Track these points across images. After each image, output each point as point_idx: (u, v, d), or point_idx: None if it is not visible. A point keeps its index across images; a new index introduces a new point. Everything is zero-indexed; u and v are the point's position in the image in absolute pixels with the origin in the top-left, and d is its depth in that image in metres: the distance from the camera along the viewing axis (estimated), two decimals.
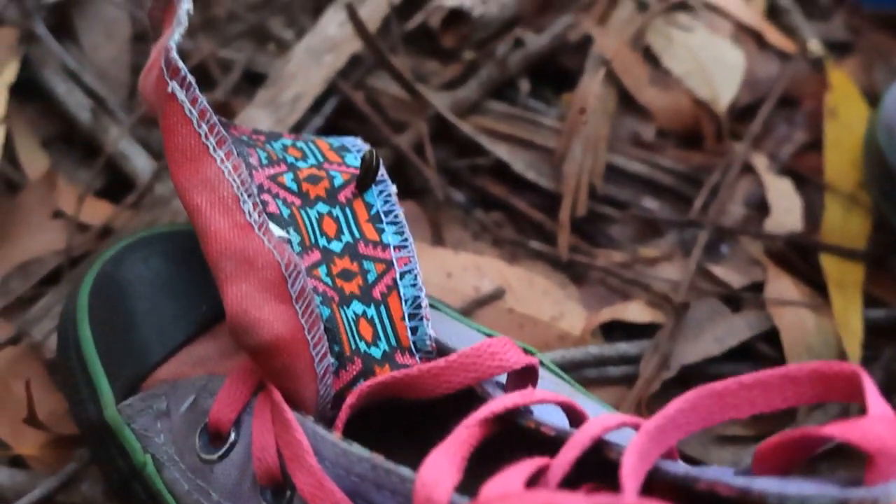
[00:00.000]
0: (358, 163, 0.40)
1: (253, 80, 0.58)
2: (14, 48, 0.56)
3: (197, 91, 0.34)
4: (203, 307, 0.39)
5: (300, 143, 0.40)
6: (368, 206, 0.38)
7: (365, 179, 0.38)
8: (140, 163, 0.53)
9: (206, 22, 0.60)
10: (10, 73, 0.55)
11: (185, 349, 0.38)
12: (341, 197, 0.38)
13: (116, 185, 0.54)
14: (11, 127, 0.54)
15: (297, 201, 0.37)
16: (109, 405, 0.38)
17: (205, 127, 0.34)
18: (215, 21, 0.60)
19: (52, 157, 0.55)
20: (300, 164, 0.39)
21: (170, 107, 0.34)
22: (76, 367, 0.40)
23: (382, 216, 0.38)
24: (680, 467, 0.30)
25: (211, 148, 0.34)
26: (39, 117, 0.56)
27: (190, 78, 0.34)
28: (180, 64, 0.34)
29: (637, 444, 0.29)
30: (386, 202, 0.39)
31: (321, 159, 0.39)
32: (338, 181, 0.38)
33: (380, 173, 0.39)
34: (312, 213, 0.37)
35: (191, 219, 0.34)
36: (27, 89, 0.56)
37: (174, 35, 0.35)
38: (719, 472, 0.30)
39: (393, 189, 0.39)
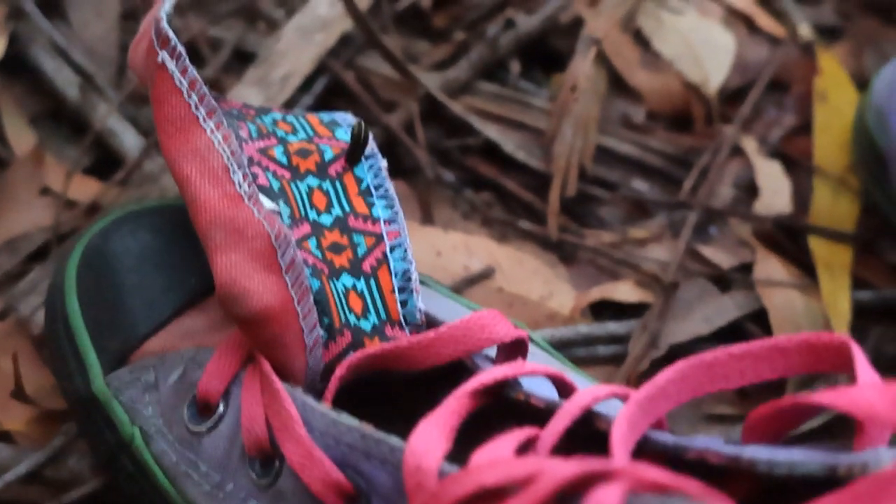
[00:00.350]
0: (348, 137, 0.39)
1: (242, 59, 0.57)
2: (2, 24, 0.56)
3: (187, 61, 0.34)
4: (192, 280, 0.39)
5: (290, 118, 0.40)
6: (359, 181, 0.38)
7: (354, 152, 0.38)
8: (128, 140, 0.53)
9: (195, 0, 0.59)
10: None
11: (174, 322, 0.38)
12: (331, 171, 0.38)
13: (104, 162, 0.53)
14: None
15: (287, 174, 0.37)
16: (97, 378, 0.38)
17: (195, 97, 0.34)
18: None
19: (39, 134, 0.55)
20: (290, 137, 0.39)
21: (159, 76, 0.34)
22: (63, 339, 0.39)
23: (373, 190, 0.38)
24: (669, 437, 0.30)
25: (201, 118, 0.34)
26: (27, 94, 0.56)
27: (180, 48, 0.34)
28: (170, 34, 0.34)
29: (626, 413, 0.29)
30: (376, 176, 0.39)
31: (311, 133, 0.39)
32: (328, 155, 0.38)
33: (370, 147, 0.39)
34: (302, 187, 0.37)
35: (180, 189, 0.34)
36: (15, 66, 0.55)
37: (165, 5, 0.34)
38: (708, 441, 0.30)
39: (383, 163, 0.39)
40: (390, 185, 0.38)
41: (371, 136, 0.39)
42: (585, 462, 0.25)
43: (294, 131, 0.39)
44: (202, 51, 0.57)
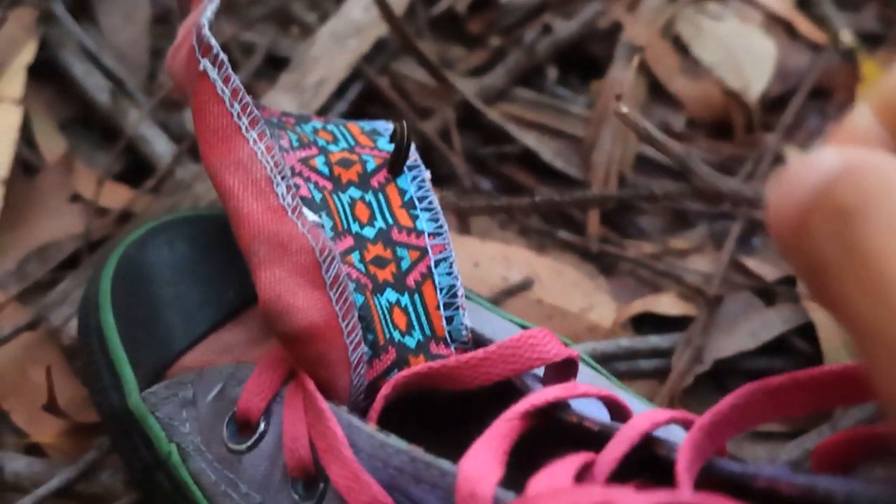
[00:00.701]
0: (390, 148, 0.38)
1: (275, 64, 0.57)
2: (32, 29, 0.55)
3: (230, 70, 0.33)
4: (230, 293, 0.38)
5: (331, 126, 0.39)
6: (402, 192, 0.37)
7: (397, 160, 0.37)
8: (160, 146, 0.52)
9: (228, 4, 0.59)
10: (28, 54, 0.54)
11: (212, 336, 0.37)
12: (374, 182, 0.37)
13: (136, 168, 0.53)
14: (29, 109, 0.53)
15: (329, 185, 0.36)
16: (133, 393, 0.37)
17: (237, 106, 0.33)
18: (237, 3, 0.59)
19: (70, 140, 0.54)
20: (331, 147, 0.37)
21: (201, 85, 0.33)
22: (98, 353, 0.38)
23: (416, 202, 0.37)
24: (735, 465, 0.29)
25: (243, 128, 0.33)
26: (57, 99, 0.55)
27: (222, 56, 0.33)
28: (213, 41, 0.33)
29: (691, 440, 0.28)
30: (420, 188, 0.37)
31: (353, 143, 0.38)
32: (370, 165, 0.37)
33: (413, 158, 0.38)
34: (345, 198, 0.36)
35: (222, 201, 0.33)
36: (45, 71, 0.55)
37: (206, 12, 0.33)
38: (777, 470, 0.28)
39: (427, 174, 0.38)
40: (434, 197, 0.37)
41: (413, 146, 0.38)
42: (655, 494, 0.24)
43: (335, 140, 0.38)
44: (235, 56, 0.56)
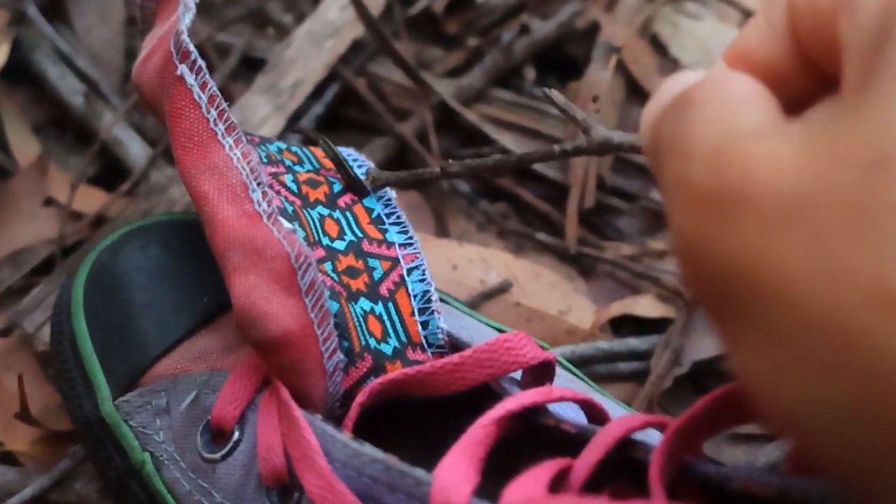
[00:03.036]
0: (356, 169, 0.38)
1: (252, 66, 0.56)
2: (4, 30, 0.54)
3: (207, 76, 0.33)
4: (204, 299, 0.37)
5: (294, 149, 0.39)
6: (369, 210, 0.37)
7: (351, 180, 0.37)
8: (134, 149, 0.52)
9: (203, 5, 0.58)
10: (1, 56, 0.53)
11: (186, 343, 0.37)
12: (340, 202, 0.37)
13: (110, 171, 0.52)
14: (1, 112, 0.53)
15: (298, 201, 0.36)
16: (106, 401, 0.37)
17: (213, 112, 0.32)
18: (213, 4, 0.59)
19: (43, 143, 0.53)
20: (297, 168, 0.38)
21: (177, 91, 0.32)
22: (71, 361, 0.38)
23: (384, 218, 0.37)
24: (710, 466, 0.28)
25: (219, 134, 0.32)
26: (31, 102, 0.54)
27: (200, 62, 0.33)
28: (191, 47, 0.33)
29: (665, 445, 0.28)
30: (387, 206, 0.38)
31: (318, 166, 0.38)
32: (336, 187, 0.38)
33: None
34: (314, 214, 0.36)
35: (197, 207, 0.33)
36: (18, 73, 0.54)
37: (184, 20, 0.33)
38: (752, 471, 0.28)
39: (392, 194, 0.38)
40: (402, 213, 0.37)
41: (372, 165, 0.39)
42: None
43: (300, 162, 0.38)
44: (210, 57, 0.56)
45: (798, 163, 0.18)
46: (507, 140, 0.54)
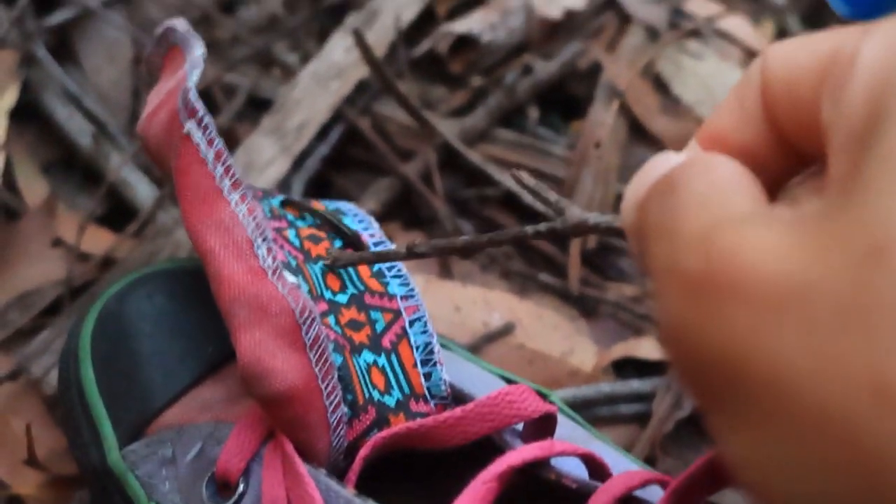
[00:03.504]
0: (356, 225, 0.39)
1: (258, 106, 0.57)
2: (14, 71, 0.55)
3: (214, 132, 0.33)
4: (209, 348, 0.38)
5: (297, 202, 0.40)
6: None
7: (360, 242, 0.38)
8: (142, 190, 0.52)
9: (209, 46, 0.59)
10: (11, 97, 0.54)
11: (192, 392, 0.37)
12: None
13: (118, 212, 0.53)
14: (11, 152, 0.53)
15: (301, 256, 0.37)
16: (113, 450, 0.37)
17: (220, 168, 0.33)
18: (219, 45, 0.59)
19: (51, 184, 0.54)
20: (299, 223, 0.38)
21: (184, 147, 0.33)
22: (78, 409, 0.38)
23: (385, 271, 0.38)
24: None
25: (225, 190, 0.33)
26: (39, 142, 0.55)
27: (207, 119, 0.33)
28: (199, 105, 0.33)
29: None
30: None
31: (318, 221, 0.39)
32: (338, 242, 0.38)
33: (378, 235, 0.39)
34: (316, 269, 0.37)
35: (203, 262, 0.33)
36: (27, 113, 0.55)
37: (192, 76, 0.34)
38: None
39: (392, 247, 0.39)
40: (402, 266, 0.38)
41: (376, 224, 0.39)
42: None
43: (302, 216, 0.39)
44: (217, 98, 0.57)
45: (790, 253, 0.18)
46: (511, 181, 0.54)
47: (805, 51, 0.22)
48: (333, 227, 0.38)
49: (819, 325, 0.17)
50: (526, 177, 0.31)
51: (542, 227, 0.31)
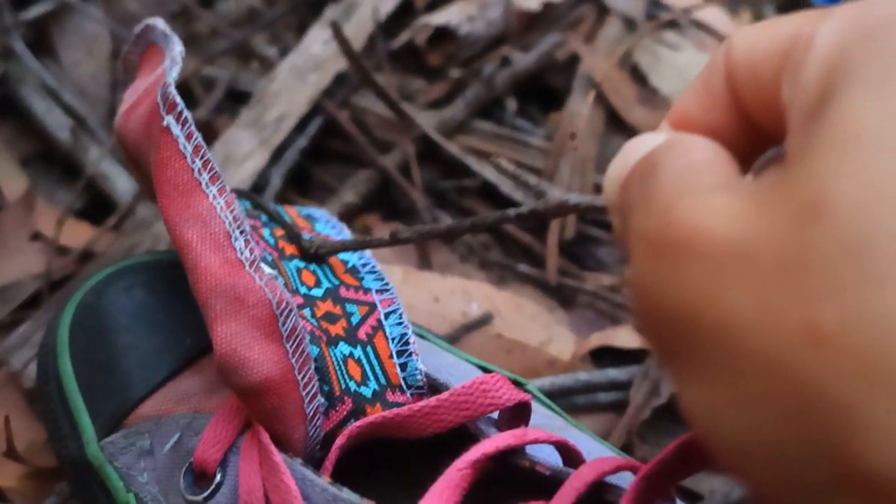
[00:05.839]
0: (328, 230, 0.40)
1: (236, 99, 0.57)
2: None
3: (193, 127, 0.33)
4: (187, 340, 0.38)
5: (270, 206, 0.40)
6: (344, 262, 0.39)
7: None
8: (121, 184, 0.52)
9: (188, 39, 0.59)
10: None
11: (169, 384, 0.37)
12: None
13: (97, 206, 0.53)
14: None
15: (276, 254, 0.37)
16: (91, 442, 0.37)
17: (199, 162, 0.33)
18: (198, 38, 0.59)
19: (30, 177, 0.54)
20: (273, 224, 0.39)
21: (163, 141, 0.33)
22: (57, 402, 0.39)
23: (360, 268, 0.38)
24: None
25: (203, 183, 0.33)
26: (17, 136, 0.55)
27: (187, 114, 0.33)
28: (178, 99, 0.33)
29: (634, 490, 0.29)
30: (360, 258, 0.39)
31: (291, 223, 0.39)
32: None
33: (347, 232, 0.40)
34: (291, 266, 0.37)
35: (180, 255, 0.33)
36: (5, 107, 0.55)
37: (171, 72, 0.34)
38: None
39: (367, 251, 0.39)
40: (376, 263, 0.38)
41: (346, 229, 0.40)
42: None
43: (274, 219, 0.39)
44: (196, 91, 0.57)
45: (740, 215, 0.19)
46: (489, 172, 0.55)
47: (767, 35, 0.23)
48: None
49: (762, 278, 0.18)
50: (505, 163, 0.32)
51: (524, 208, 0.31)
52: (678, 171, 0.22)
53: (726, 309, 0.19)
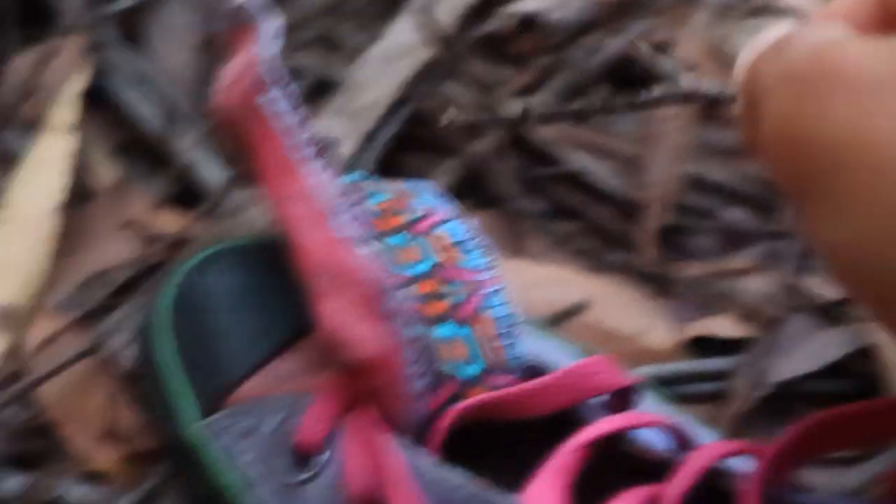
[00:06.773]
0: (433, 202, 0.39)
1: (324, 89, 0.57)
2: (84, 56, 0.56)
3: (296, 101, 0.33)
4: (287, 320, 0.38)
5: (371, 178, 0.40)
6: (450, 235, 0.37)
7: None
8: (212, 171, 0.53)
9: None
10: (81, 81, 0.54)
11: (271, 365, 0.37)
12: (420, 228, 0.37)
13: (188, 194, 0.53)
14: (82, 136, 0.54)
15: (377, 229, 0.37)
16: (192, 422, 0.37)
17: (302, 138, 0.33)
18: (284, 27, 0.59)
19: (122, 167, 0.54)
20: (375, 196, 0.38)
21: (267, 116, 0.33)
22: (156, 382, 0.39)
23: (465, 243, 0.37)
24: (803, 496, 0.28)
25: (307, 159, 0.33)
26: (110, 126, 0.56)
27: (290, 88, 0.33)
28: (281, 73, 0.33)
29: (758, 474, 0.28)
30: (466, 231, 0.38)
31: (392, 196, 0.39)
32: (414, 215, 0.38)
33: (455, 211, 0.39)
34: (392, 241, 0.36)
35: (284, 232, 0.33)
36: (98, 97, 0.55)
37: (271, 47, 0.34)
38: (842, 500, 0.28)
39: (474, 221, 0.38)
40: (482, 238, 0.37)
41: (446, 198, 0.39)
42: None
43: (377, 192, 0.38)
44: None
45: (888, 56, 0.21)
46: (579, 160, 0.54)
47: None
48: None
49: None
50: (641, 46, 0.33)
51: (657, 92, 0.32)
52: (812, 41, 0.23)
53: (874, 136, 0.20)
